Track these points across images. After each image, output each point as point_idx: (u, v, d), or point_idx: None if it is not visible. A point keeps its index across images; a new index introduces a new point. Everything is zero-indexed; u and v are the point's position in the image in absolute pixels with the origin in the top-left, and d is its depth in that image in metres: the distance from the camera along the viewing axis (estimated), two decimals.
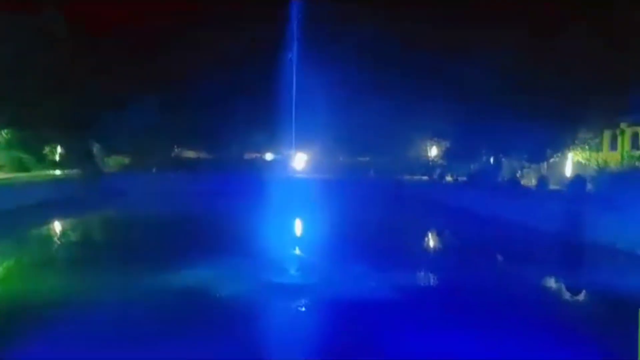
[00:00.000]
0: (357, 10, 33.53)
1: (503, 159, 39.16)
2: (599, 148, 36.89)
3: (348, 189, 31.73)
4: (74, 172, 35.69)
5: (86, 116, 35.93)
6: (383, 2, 37.04)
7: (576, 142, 36.12)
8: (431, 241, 20.47)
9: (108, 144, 41.31)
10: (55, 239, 18.86)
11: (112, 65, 38.09)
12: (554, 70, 32.19)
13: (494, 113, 31.66)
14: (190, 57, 39.37)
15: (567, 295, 12.14)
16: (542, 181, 31.16)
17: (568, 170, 35.41)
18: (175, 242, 17.06)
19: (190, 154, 48.22)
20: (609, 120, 35.26)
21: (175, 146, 47.46)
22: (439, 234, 22.08)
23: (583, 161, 35.85)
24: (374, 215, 24.96)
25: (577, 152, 36.30)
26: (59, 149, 41.95)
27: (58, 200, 26.26)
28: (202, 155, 47.53)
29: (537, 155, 36.76)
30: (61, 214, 23.61)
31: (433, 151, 45.26)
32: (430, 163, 44.03)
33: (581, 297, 11.85)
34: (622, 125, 36.00)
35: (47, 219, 21.92)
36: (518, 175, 36.11)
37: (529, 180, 35.12)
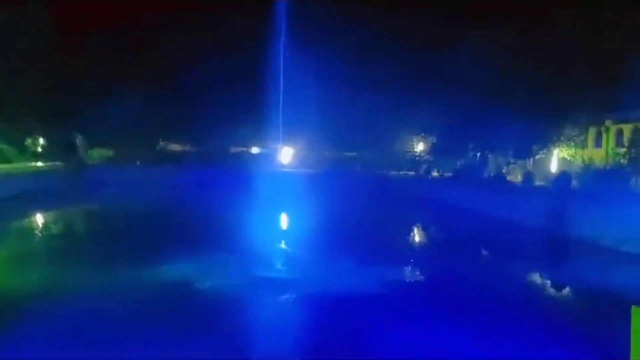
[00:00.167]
0: (344, 6, 33.45)
1: (489, 155, 39.38)
2: (584, 145, 37.23)
3: (334, 183, 31.65)
4: (57, 164, 35.26)
5: (69, 107, 35.48)
6: None
7: (562, 138, 36.43)
8: (417, 236, 20.49)
9: (92, 135, 40.80)
10: (36, 231, 18.55)
11: (97, 57, 37.67)
12: (541, 68, 32.41)
13: (481, 109, 31.83)
14: (176, 49, 39.04)
15: (552, 292, 12.18)
16: (528, 177, 31.36)
17: (553, 167, 35.70)
18: (159, 236, 16.85)
19: (176, 147, 47.88)
20: (594, 118, 35.57)
21: (161, 139, 47.07)
22: (425, 229, 22.11)
23: (568, 158, 36.16)
24: (360, 209, 24.91)
25: (563, 149, 36.61)
26: (41, 141, 41.41)
27: (40, 192, 25.89)
28: (188, 148, 47.21)
29: (523, 152, 37.02)
30: (43, 206, 23.24)
31: (420, 147, 45.41)
32: (417, 158, 44.15)
33: (567, 293, 11.90)
34: (607, 122, 36.34)
35: (28, 211, 21.56)
36: (504, 171, 36.32)
37: (515, 176, 35.35)
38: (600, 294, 10.75)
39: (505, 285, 11.66)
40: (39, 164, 37.30)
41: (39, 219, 21.14)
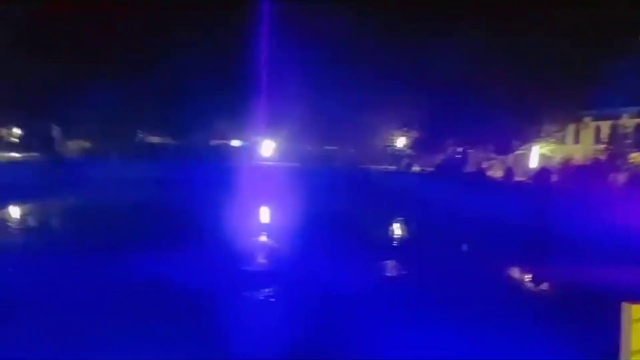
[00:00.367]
0: (324, 2, 33.26)
1: (470, 151, 39.63)
2: (563, 141, 37.67)
3: (315, 177, 31.53)
4: (32, 155, 34.61)
5: (46, 98, 34.75)
6: None
7: (541, 135, 36.78)
8: (398, 231, 20.49)
9: (69, 127, 40.03)
10: (9, 225, 18.10)
11: (74, 46, 36.91)
12: (521, 65, 32.59)
13: (462, 106, 31.97)
14: (156, 41, 38.43)
15: (537, 289, 12.24)
16: (508, 172, 31.65)
17: (533, 163, 36.05)
18: (138, 230, 16.51)
19: (155, 139, 47.26)
20: (573, 114, 35.98)
21: (139, 131, 46.41)
22: (406, 224, 22.12)
23: (547, 153, 36.55)
24: (341, 203, 24.82)
25: (542, 145, 36.97)
26: (16, 131, 40.52)
27: (14, 186, 25.27)
28: (168, 140, 46.63)
29: (503, 147, 37.32)
30: (17, 200, 22.71)
31: (401, 142, 45.50)
32: (398, 153, 44.25)
33: (553, 290, 11.86)
34: (586, 119, 36.82)
35: (1, 205, 21.03)
36: (484, 166, 36.59)
37: (495, 172, 35.63)
38: (588, 291, 10.76)
39: (485, 282, 11.63)
40: (13, 155, 36.55)
41: (13, 212, 20.65)
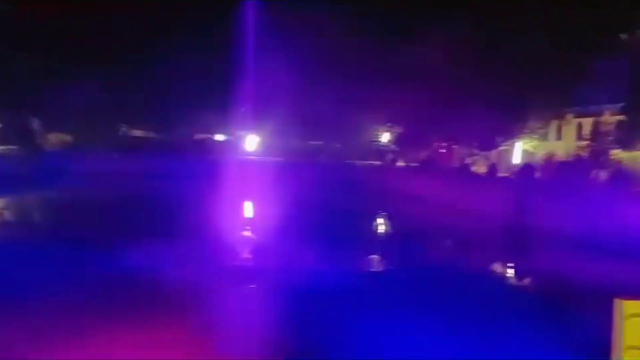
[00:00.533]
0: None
1: (454, 146, 39.84)
2: (545, 137, 38.01)
3: (300, 172, 31.42)
4: (10, 148, 33.98)
5: (25, 88, 34.09)
6: None
7: (525, 131, 37.05)
8: (381, 226, 20.49)
9: (49, 119, 39.34)
10: None
11: (56, 37, 36.24)
12: (504, 62, 32.76)
13: (446, 102, 32.08)
14: (140, 33, 37.92)
15: (515, 283, 12.28)
16: (491, 168, 31.85)
17: (516, 159, 36.31)
18: (120, 224, 16.26)
19: (138, 133, 46.72)
20: (556, 111, 36.29)
21: (123, 125, 45.82)
22: (390, 219, 22.10)
23: (531, 150, 36.85)
24: (325, 198, 24.74)
25: (525, 141, 37.23)
26: None
27: None
28: (150, 134, 46.13)
29: (487, 143, 37.55)
30: None
31: (385, 137, 45.56)
32: (383, 149, 44.32)
33: (542, 286, 11.83)
34: (568, 116, 37.18)
35: None
36: (468, 162, 36.80)
37: (479, 168, 35.85)
38: (572, 287, 10.80)
39: (469, 277, 11.64)
40: None
41: None
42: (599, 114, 33.96)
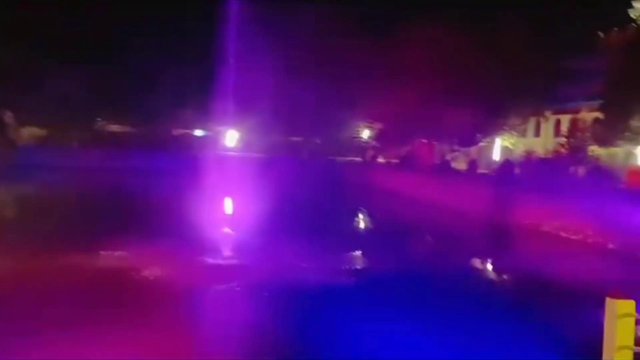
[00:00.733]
0: None
1: (434, 143, 39.98)
2: (524, 134, 38.33)
3: (280, 167, 31.23)
4: None
5: None
6: None
7: (504, 128, 37.29)
8: (361, 221, 20.47)
9: (23, 113, 38.38)
10: None
11: (33, 30, 35.42)
12: (484, 59, 32.90)
13: (426, 99, 32.16)
14: (119, 26, 37.26)
15: (497, 279, 12.28)
16: (471, 164, 32.02)
17: (495, 155, 36.57)
18: (98, 222, 15.97)
19: (115, 127, 45.98)
20: (535, 108, 36.57)
21: (99, 119, 44.99)
22: (371, 215, 22.07)
23: (509, 146, 37.11)
24: (306, 194, 24.63)
25: (504, 138, 37.49)
26: None
27: None
28: (128, 129, 45.43)
29: (466, 140, 37.72)
30: None
31: (366, 133, 45.60)
32: (363, 145, 44.33)
33: (529, 284, 11.79)
34: (547, 113, 37.52)
35: None
36: (448, 158, 36.96)
37: (459, 164, 36.01)
38: (555, 282, 10.82)
39: (448, 272, 11.64)
40: None
41: None
42: (577, 111, 34.32)
